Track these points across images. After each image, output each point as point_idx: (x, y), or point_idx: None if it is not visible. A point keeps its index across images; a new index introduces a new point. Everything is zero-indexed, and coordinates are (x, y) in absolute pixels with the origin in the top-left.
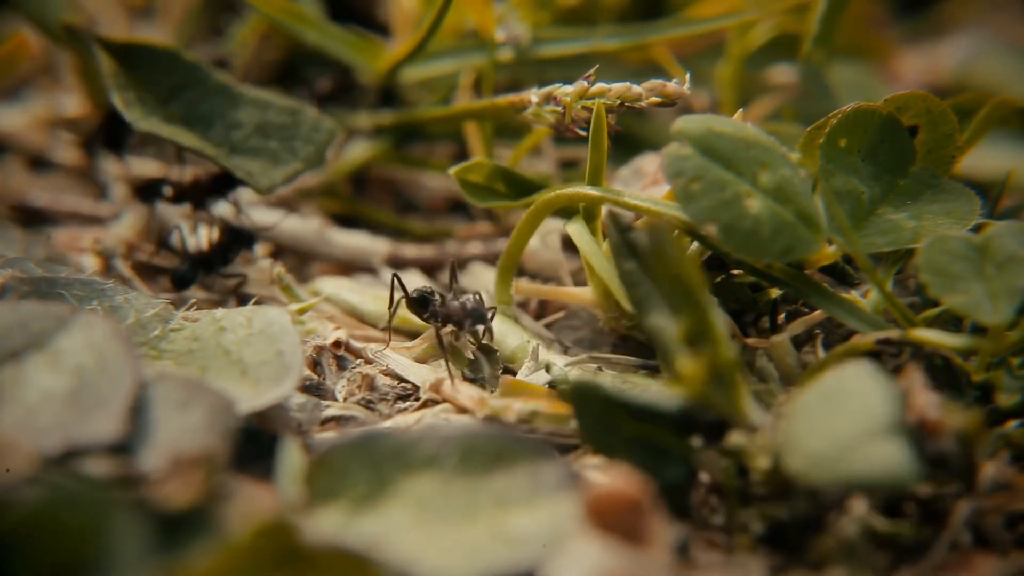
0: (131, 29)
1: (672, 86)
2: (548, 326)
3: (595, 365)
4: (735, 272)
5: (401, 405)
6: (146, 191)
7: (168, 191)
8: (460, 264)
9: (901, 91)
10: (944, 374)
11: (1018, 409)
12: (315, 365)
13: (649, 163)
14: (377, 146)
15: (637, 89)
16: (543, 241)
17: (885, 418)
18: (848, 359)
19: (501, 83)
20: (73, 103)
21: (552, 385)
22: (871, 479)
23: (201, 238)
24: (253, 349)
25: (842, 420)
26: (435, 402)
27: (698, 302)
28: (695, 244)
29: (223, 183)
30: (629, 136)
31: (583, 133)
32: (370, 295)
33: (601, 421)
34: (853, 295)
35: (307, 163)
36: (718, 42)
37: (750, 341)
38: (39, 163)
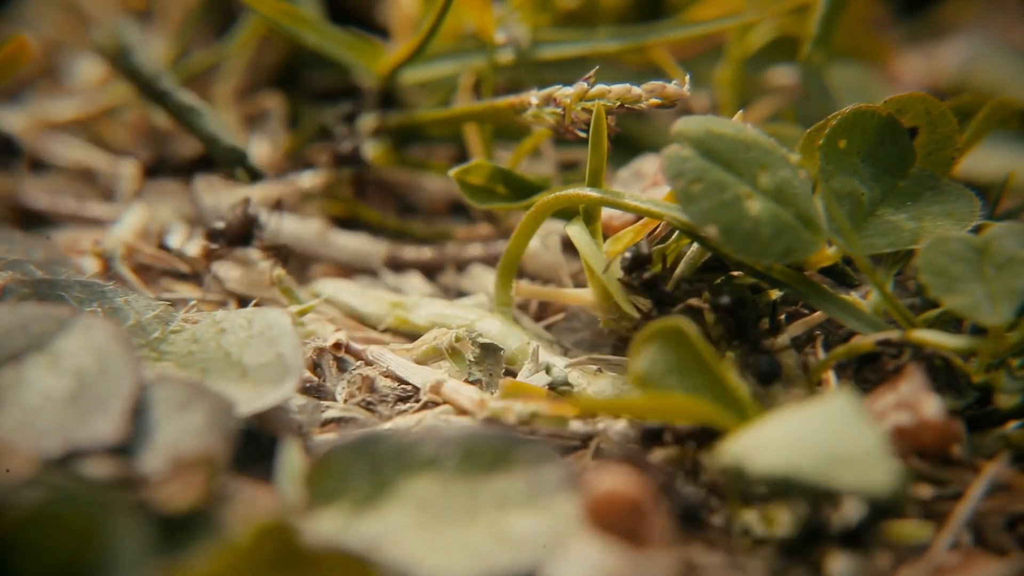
0: None
1: (672, 88)
2: (548, 328)
3: (595, 367)
4: (735, 273)
5: (401, 407)
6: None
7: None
8: (460, 266)
9: (901, 93)
10: (944, 375)
11: (1018, 410)
12: (315, 367)
13: (649, 165)
14: (377, 148)
15: (637, 91)
16: (543, 243)
17: None
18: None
19: (501, 85)
20: None
21: (552, 387)
22: None
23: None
24: (253, 351)
25: None
26: (435, 404)
27: None
28: (695, 245)
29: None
30: (629, 138)
31: (583, 135)
32: (370, 297)
33: None
34: (853, 296)
35: None
36: (718, 44)
37: None
38: (39, 165)
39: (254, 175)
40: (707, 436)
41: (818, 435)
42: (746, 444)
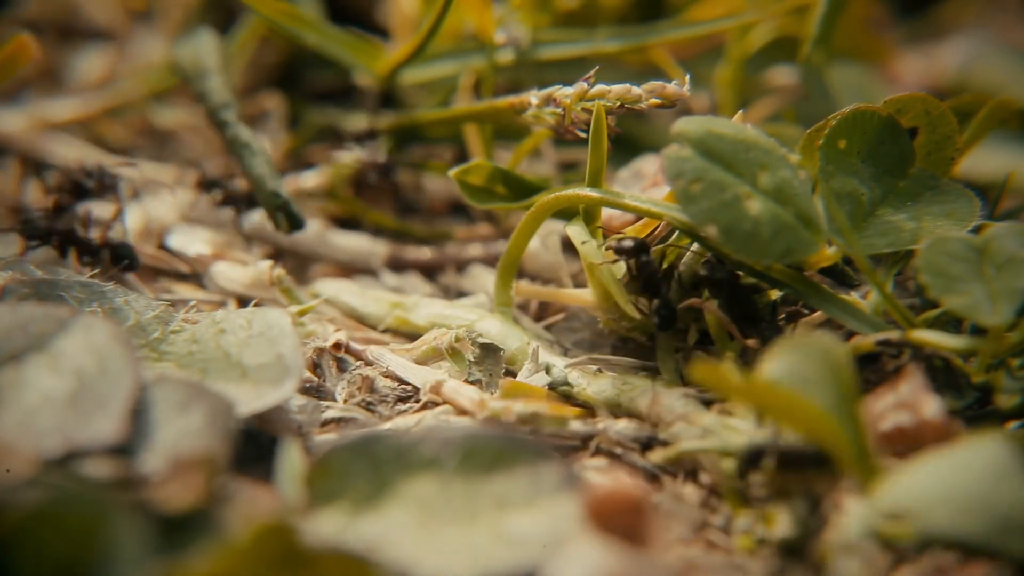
0: (131, 31)
1: (672, 88)
2: (548, 328)
3: (595, 367)
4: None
5: (401, 407)
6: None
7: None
8: (460, 266)
9: (900, 93)
10: (944, 375)
11: (1018, 410)
12: (315, 367)
13: (649, 165)
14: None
15: (637, 91)
16: (543, 243)
17: None
18: None
19: (501, 85)
20: None
21: (552, 387)
22: None
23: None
24: (253, 351)
25: None
26: (435, 404)
27: None
28: (695, 245)
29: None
30: (629, 138)
31: (583, 135)
32: (370, 297)
33: None
34: (853, 296)
35: None
36: (718, 44)
37: (750, 343)
38: (38, 165)
39: (293, 223)
40: (810, 462)
41: (981, 493)
42: (897, 498)
